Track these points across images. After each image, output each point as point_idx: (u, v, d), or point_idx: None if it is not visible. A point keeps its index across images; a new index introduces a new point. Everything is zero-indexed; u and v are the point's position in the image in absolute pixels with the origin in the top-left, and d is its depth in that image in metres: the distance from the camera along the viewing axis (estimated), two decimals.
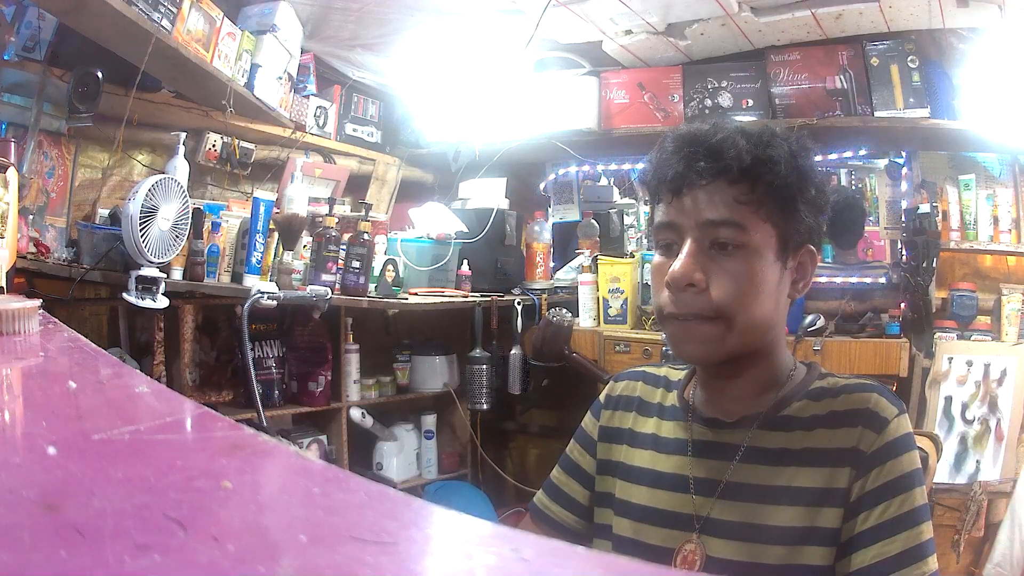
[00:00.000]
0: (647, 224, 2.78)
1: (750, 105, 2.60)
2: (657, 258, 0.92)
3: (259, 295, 1.92)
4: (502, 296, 2.68)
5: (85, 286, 2.09)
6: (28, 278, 2.01)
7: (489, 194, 2.87)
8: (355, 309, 2.44)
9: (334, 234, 2.26)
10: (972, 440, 2.34)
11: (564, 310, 2.55)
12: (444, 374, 2.79)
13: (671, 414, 1.01)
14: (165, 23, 1.96)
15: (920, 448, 0.92)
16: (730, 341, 0.87)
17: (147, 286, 1.91)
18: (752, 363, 0.92)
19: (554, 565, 0.30)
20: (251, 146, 2.64)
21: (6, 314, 0.86)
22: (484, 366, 2.57)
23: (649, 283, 2.53)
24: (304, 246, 2.31)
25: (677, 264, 0.86)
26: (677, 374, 1.06)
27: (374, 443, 2.69)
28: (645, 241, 2.77)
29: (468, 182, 2.96)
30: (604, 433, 1.07)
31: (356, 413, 2.52)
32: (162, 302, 1.94)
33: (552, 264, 2.95)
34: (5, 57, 2.03)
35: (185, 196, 1.94)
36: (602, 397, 1.11)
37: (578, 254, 2.79)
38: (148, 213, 1.82)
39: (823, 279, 2.45)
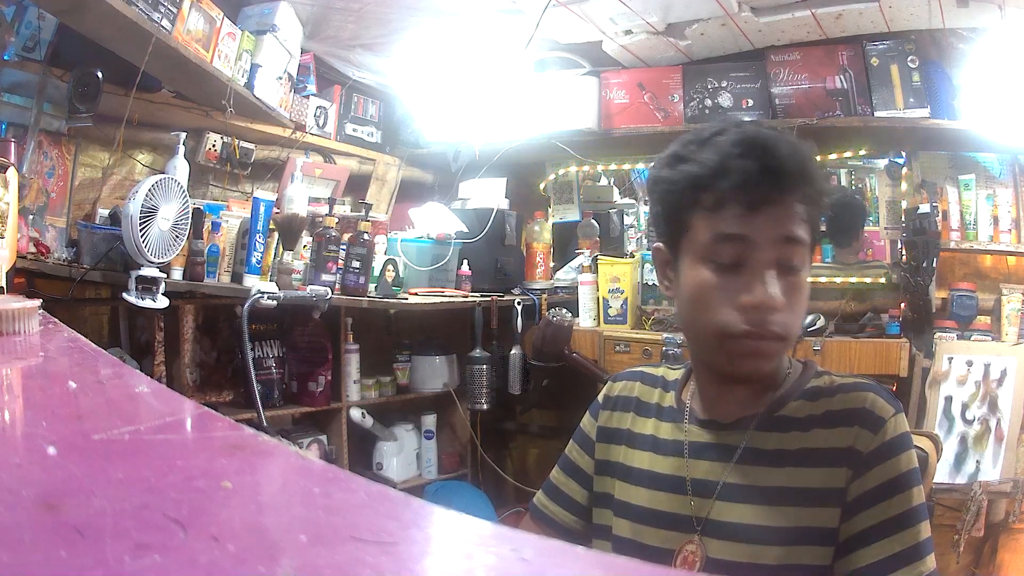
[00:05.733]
0: (647, 223, 2.78)
1: (750, 105, 2.60)
2: (711, 274, 0.85)
3: (259, 295, 1.92)
4: (502, 296, 2.68)
5: (85, 286, 2.09)
6: (28, 278, 2.01)
7: (489, 194, 2.87)
8: (355, 309, 2.44)
9: (334, 234, 2.26)
10: (972, 440, 2.34)
11: (564, 310, 2.55)
12: (444, 374, 2.79)
13: (669, 415, 1.01)
14: (165, 23, 1.96)
15: (920, 448, 0.92)
16: (782, 354, 0.90)
17: (147, 286, 1.91)
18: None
19: (554, 565, 0.30)
20: (251, 146, 2.64)
21: (6, 314, 0.86)
22: (484, 366, 2.57)
23: (662, 286, 2.53)
24: (304, 246, 2.31)
25: (765, 289, 0.83)
26: (674, 373, 1.06)
27: (374, 443, 2.69)
28: (645, 241, 2.77)
29: (468, 182, 2.96)
30: (602, 434, 1.07)
31: (356, 413, 2.52)
32: (162, 302, 1.94)
33: (552, 264, 2.95)
34: (5, 57, 2.03)
35: (185, 196, 1.94)
36: (600, 397, 1.11)
37: (578, 254, 2.79)
38: (148, 213, 1.82)
39: (823, 279, 2.45)
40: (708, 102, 2.65)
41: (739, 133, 0.85)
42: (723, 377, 0.93)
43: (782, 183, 0.83)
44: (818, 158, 0.89)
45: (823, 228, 0.95)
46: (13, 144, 1.65)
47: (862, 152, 2.57)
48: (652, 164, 0.94)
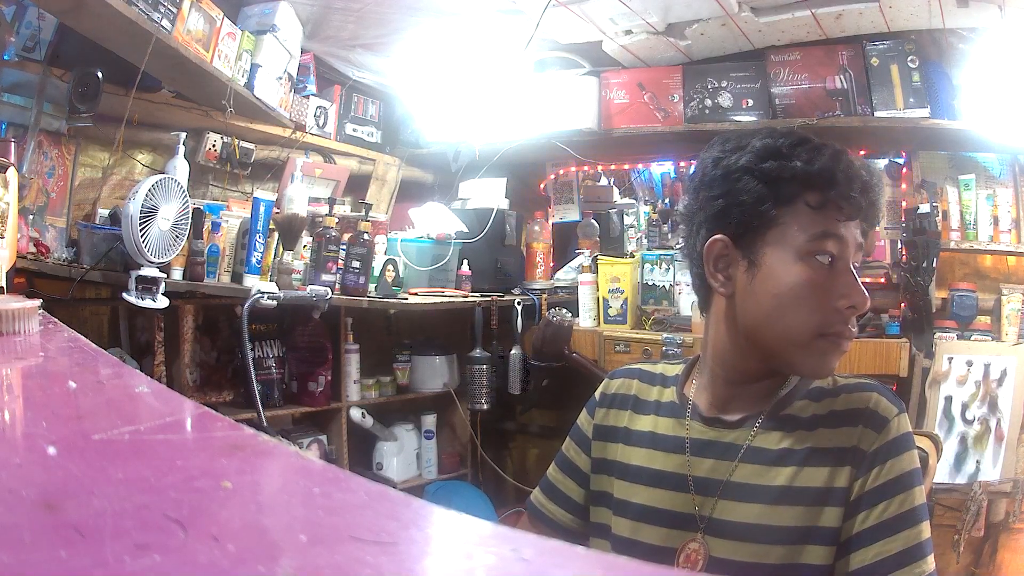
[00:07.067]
0: (647, 224, 2.78)
1: (750, 105, 2.60)
2: (814, 272, 0.87)
3: (259, 295, 1.92)
4: (502, 296, 2.68)
5: (85, 286, 2.09)
6: (28, 278, 2.01)
7: (489, 194, 2.87)
8: (355, 309, 2.44)
9: (334, 234, 2.26)
10: (972, 440, 2.34)
11: (564, 310, 2.55)
12: (444, 374, 2.79)
13: (668, 410, 1.00)
14: (165, 23, 1.96)
15: (920, 448, 0.92)
16: None
17: (147, 286, 1.91)
18: (775, 369, 0.93)
19: (554, 565, 0.30)
20: (251, 146, 2.64)
21: (6, 314, 0.86)
22: (484, 366, 2.57)
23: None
24: (304, 246, 2.31)
25: (860, 290, 0.88)
26: (674, 369, 1.06)
27: (374, 443, 2.69)
28: (645, 241, 2.77)
29: (468, 182, 2.96)
30: (599, 431, 1.07)
31: (356, 413, 2.52)
32: (162, 302, 1.94)
33: (552, 264, 2.95)
34: (5, 57, 2.03)
35: (185, 196, 1.94)
36: (597, 395, 1.11)
37: (578, 254, 2.79)
38: (148, 213, 1.82)
39: None
40: (708, 102, 2.65)
41: (835, 148, 0.90)
42: (743, 379, 0.94)
43: (868, 200, 0.89)
44: None
45: None
46: (13, 144, 1.65)
47: (862, 152, 2.57)
48: (722, 154, 0.93)
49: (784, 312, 0.88)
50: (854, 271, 0.89)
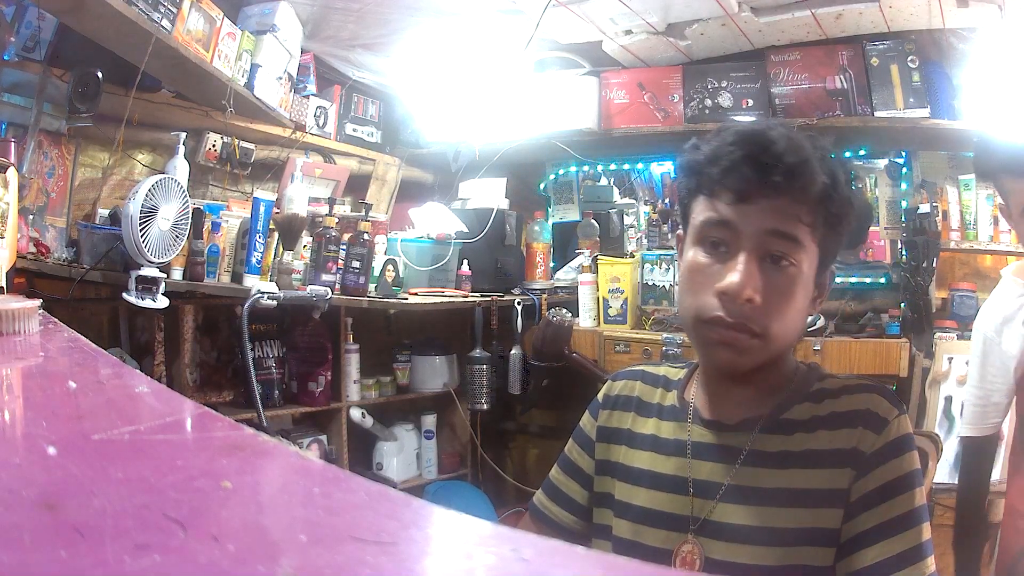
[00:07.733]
0: (647, 224, 2.78)
1: (750, 105, 2.60)
2: (701, 256, 0.88)
3: (259, 295, 1.92)
4: (502, 296, 2.68)
5: (85, 286, 2.09)
6: (28, 278, 2.01)
7: (489, 194, 2.87)
8: (355, 309, 2.44)
9: (334, 234, 2.26)
10: None
11: (564, 310, 2.55)
12: (444, 374, 2.79)
13: (670, 414, 1.00)
14: (165, 23, 1.96)
15: (920, 448, 0.92)
16: (763, 354, 0.88)
17: (147, 286, 1.91)
18: (762, 370, 0.92)
19: (554, 565, 0.30)
20: (251, 146, 2.64)
21: (6, 314, 0.86)
22: (484, 366, 2.57)
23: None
24: (304, 246, 2.31)
25: (737, 275, 0.83)
26: (677, 372, 1.05)
27: (374, 443, 2.69)
28: (645, 241, 2.77)
29: (468, 182, 2.96)
30: (602, 433, 1.07)
31: (356, 413, 2.52)
32: (162, 302, 1.94)
33: (552, 264, 2.95)
34: (5, 57, 2.03)
35: (185, 196, 1.94)
36: (600, 397, 1.10)
37: (578, 254, 2.79)
38: (148, 213, 1.82)
39: None
40: (708, 102, 2.65)
41: (745, 126, 0.88)
42: (720, 373, 0.94)
43: (771, 176, 0.83)
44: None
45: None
46: (13, 144, 1.65)
47: (862, 152, 2.57)
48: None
49: (680, 299, 0.92)
50: (746, 257, 0.84)
